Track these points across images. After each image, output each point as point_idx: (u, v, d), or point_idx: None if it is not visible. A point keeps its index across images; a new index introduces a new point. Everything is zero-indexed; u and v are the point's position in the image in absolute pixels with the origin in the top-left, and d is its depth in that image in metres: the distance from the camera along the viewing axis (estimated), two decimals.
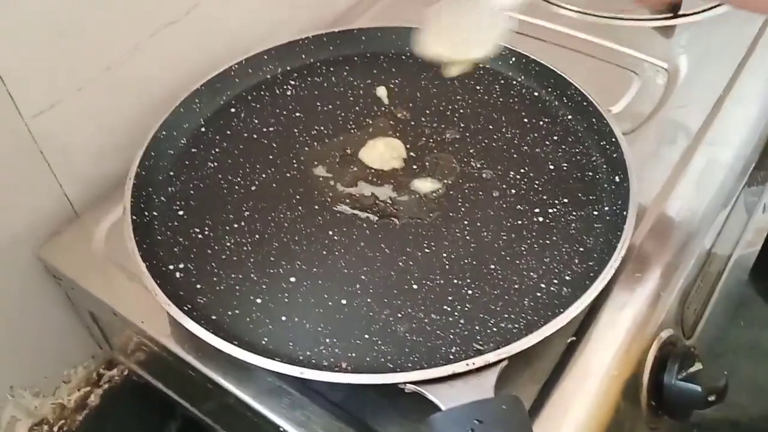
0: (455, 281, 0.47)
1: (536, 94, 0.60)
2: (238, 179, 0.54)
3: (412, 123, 0.58)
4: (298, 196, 0.53)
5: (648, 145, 0.58)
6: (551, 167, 0.54)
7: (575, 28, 0.69)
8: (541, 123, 0.58)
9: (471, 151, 0.56)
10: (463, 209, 0.51)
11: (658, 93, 0.63)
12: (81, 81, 0.53)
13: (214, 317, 0.45)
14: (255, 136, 0.57)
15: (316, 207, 0.52)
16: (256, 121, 0.59)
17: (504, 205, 0.51)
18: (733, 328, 0.64)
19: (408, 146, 0.56)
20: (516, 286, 0.46)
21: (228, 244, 0.50)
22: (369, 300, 0.46)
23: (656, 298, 0.49)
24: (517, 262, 0.48)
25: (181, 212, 0.52)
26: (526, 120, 0.58)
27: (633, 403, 0.48)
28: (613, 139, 0.53)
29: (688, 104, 0.62)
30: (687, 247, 0.52)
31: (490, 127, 0.57)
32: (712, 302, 0.59)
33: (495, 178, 0.53)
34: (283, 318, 0.45)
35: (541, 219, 0.50)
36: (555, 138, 0.56)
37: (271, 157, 0.56)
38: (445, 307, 0.45)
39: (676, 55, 0.67)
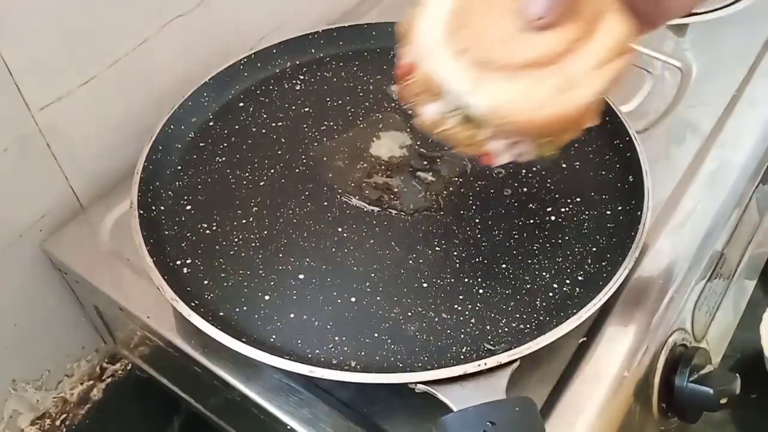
0: (466, 280, 0.46)
1: None
2: (247, 174, 0.53)
3: None
4: (307, 192, 0.52)
5: (660, 145, 0.58)
6: (564, 165, 0.53)
7: None
8: None
9: None
10: (474, 207, 0.51)
11: (671, 92, 0.62)
12: (89, 74, 0.53)
13: (221, 313, 0.45)
14: (264, 130, 0.57)
15: (326, 203, 0.51)
16: (265, 116, 0.58)
17: (516, 204, 0.51)
18: (743, 331, 0.63)
19: (418, 143, 0.55)
20: (528, 286, 0.46)
21: (236, 239, 0.49)
22: (378, 298, 0.45)
23: (668, 300, 0.48)
24: (529, 261, 0.47)
25: (188, 207, 0.51)
26: None
27: (644, 404, 0.47)
28: (627, 138, 0.53)
29: (701, 104, 0.61)
30: (700, 247, 0.51)
31: None
32: (723, 304, 0.58)
33: (506, 176, 0.53)
34: (292, 315, 0.45)
35: (553, 218, 0.50)
36: None
37: (279, 152, 0.55)
38: (455, 306, 0.45)
39: (689, 54, 0.66)
